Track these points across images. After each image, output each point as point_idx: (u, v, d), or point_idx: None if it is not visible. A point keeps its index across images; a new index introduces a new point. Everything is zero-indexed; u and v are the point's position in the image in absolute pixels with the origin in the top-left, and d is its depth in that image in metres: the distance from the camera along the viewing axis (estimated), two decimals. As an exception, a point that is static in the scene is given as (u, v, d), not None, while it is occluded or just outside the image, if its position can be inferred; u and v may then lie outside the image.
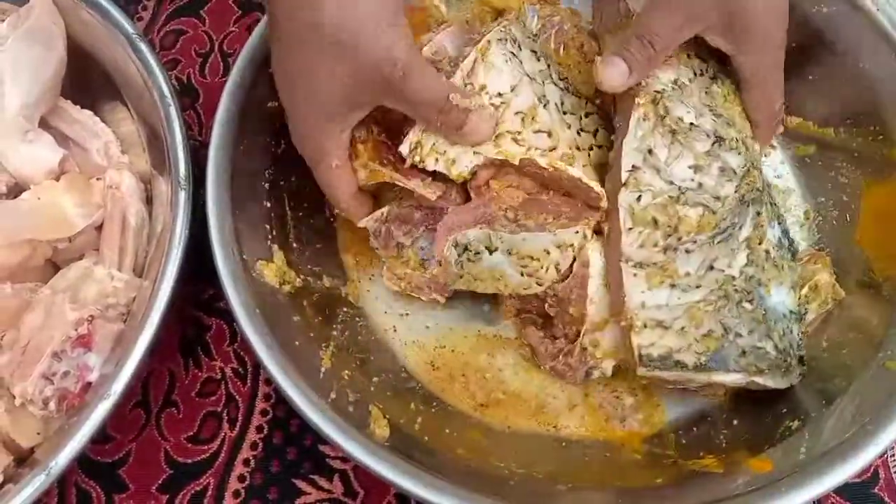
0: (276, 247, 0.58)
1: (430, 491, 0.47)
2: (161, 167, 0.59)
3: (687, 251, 0.52)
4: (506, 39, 0.55)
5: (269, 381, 0.57)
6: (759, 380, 0.52)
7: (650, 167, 0.52)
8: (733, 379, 0.52)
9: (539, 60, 0.57)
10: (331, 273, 0.61)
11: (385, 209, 0.57)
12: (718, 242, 0.52)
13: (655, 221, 0.52)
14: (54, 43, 0.61)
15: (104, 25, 0.61)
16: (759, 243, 0.53)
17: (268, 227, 0.59)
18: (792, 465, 0.49)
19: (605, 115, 0.59)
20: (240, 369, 0.60)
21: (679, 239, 0.52)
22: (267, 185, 0.60)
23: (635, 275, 0.52)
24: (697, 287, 0.52)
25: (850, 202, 0.62)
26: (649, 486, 0.52)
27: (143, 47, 0.60)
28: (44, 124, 0.61)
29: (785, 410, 0.54)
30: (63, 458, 0.48)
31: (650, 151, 0.52)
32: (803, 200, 0.65)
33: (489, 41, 0.54)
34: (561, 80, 0.58)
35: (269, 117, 0.60)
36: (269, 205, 0.60)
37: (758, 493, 0.47)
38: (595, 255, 0.55)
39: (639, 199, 0.52)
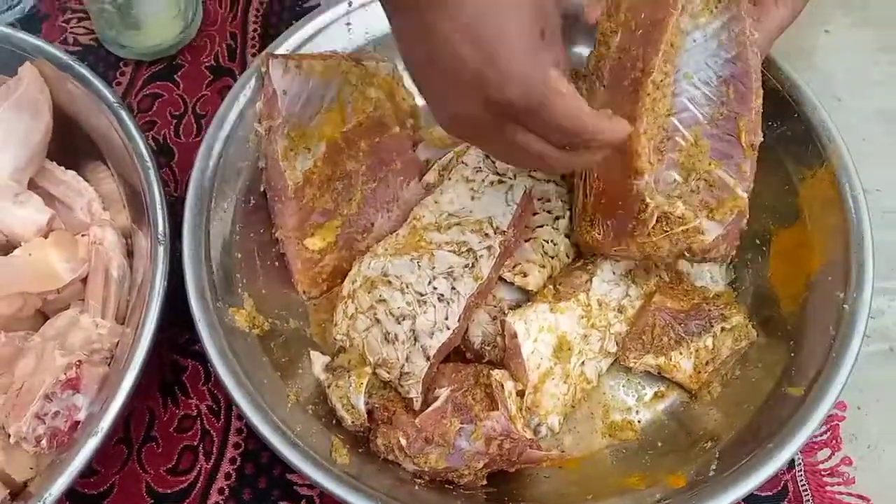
0: (246, 294, 0.64)
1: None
2: (141, 222, 0.65)
3: None
4: None
5: (241, 416, 0.64)
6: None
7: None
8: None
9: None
10: (296, 316, 0.68)
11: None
12: None
13: None
14: (41, 111, 0.67)
15: (87, 95, 0.67)
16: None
17: (238, 276, 0.65)
18: (702, 481, 0.56)
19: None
20: (214, 406, 0.66)
21: None
22: (237, 238, 0.67)
23: None
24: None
25: (762, 245, 0.70)
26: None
27: (124, 114, 0.66)
28: (32, 185, 0.67)
29: (701, 433, 0.62)
30: (55, 490, 0.53)
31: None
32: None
33: None
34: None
35: (238, 175, 0.68)
36: (239, 256, 0.66)
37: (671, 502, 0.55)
38: (520, 324, 0.62)
39: None
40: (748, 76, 0.59)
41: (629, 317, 0.67)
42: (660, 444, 0.64)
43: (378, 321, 0.63)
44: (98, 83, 0.68)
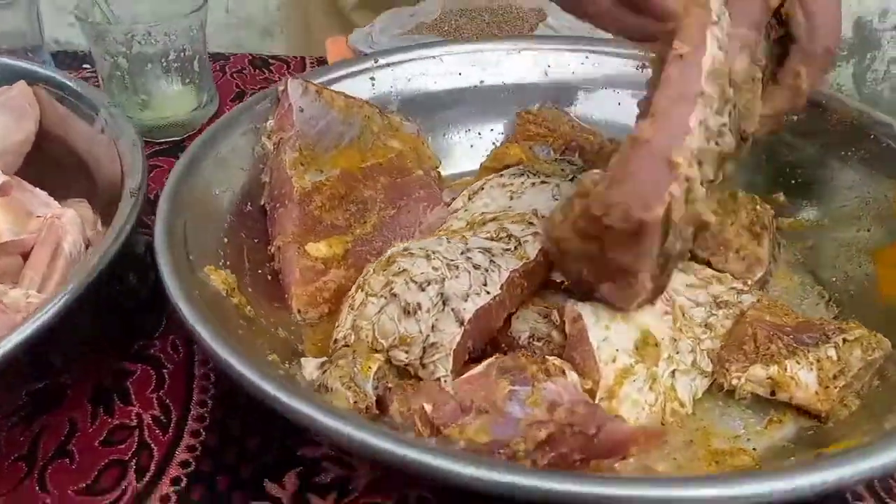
0: (228, 271, 0.50)
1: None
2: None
3: None
4: None
5: (199, 420, 0.46)
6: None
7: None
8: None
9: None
10: (287, 329, 0.52)
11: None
12: None
13: None
14: (26, 118, 0.60)
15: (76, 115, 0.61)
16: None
17: (220, 252, 0.52)
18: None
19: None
20: (162, 417, 0.47)
21: None
22: (227, 226, 0.55)
23: None
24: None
25: (864, 269, 0.57)
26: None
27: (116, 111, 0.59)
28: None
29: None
30: None
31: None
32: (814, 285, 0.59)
33: None
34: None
35: (237, 173, 0.58)
36: (226, 240, 0.53)
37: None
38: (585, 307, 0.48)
39: None
40: None
41: (720, 335, 0.52)
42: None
43: (395, 296, 0.48)
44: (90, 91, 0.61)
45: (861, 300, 0.56)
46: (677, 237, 0.43)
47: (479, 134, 0.72)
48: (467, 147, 0.71)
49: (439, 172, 0.67)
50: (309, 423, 0.36)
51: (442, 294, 0.47)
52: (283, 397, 0.37)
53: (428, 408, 0.41)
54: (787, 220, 0.63)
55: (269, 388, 0.37)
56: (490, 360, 0.44)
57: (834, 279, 0.59)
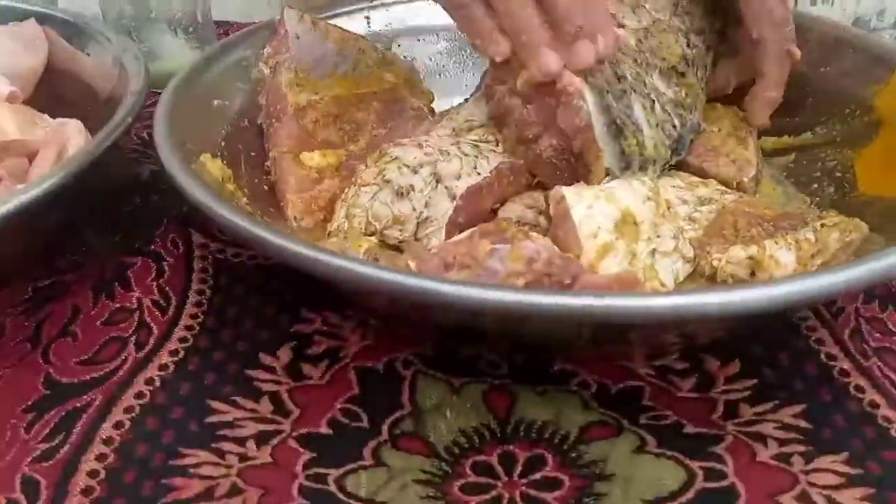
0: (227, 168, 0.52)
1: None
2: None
3: None
4: None
5: (198, 305, 0.48)
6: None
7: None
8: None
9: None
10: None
11: None
12: None
13: None
14: (36, 49, 0.63)
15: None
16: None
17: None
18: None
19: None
20: (161, 301, 0.49)
21: None
22: (225, 131, 0.57)
23: None
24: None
25: (844, 173, 0.58)
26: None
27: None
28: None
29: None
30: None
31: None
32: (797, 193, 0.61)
33: None
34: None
35: (237, 89, 0.60)
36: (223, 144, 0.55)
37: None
38: (569, 190, 0.50)
39: None
40: None
41: (703, 226, 0.53)
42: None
43: (387, 181, 0.50)
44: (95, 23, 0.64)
45: (842, 200, 0.57)
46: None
47: (475, 74, 0.74)
48: (462, 86, 0.73)
49: (433, 108, 0.69)
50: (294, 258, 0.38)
51: (435, 174, 0.49)
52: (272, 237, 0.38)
53: (412, 264, 0.42)
54: (771, 138, 0.65)
55: (260, 230, 0.39)
56: (474, 228, 0.46)
57: (815, 186, 0.60)
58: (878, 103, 0.59)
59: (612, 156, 0.50)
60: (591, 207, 0.49)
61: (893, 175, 0.54)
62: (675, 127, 0.54)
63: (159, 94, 0.53)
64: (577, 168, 0.51)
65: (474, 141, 0.54)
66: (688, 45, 0.57)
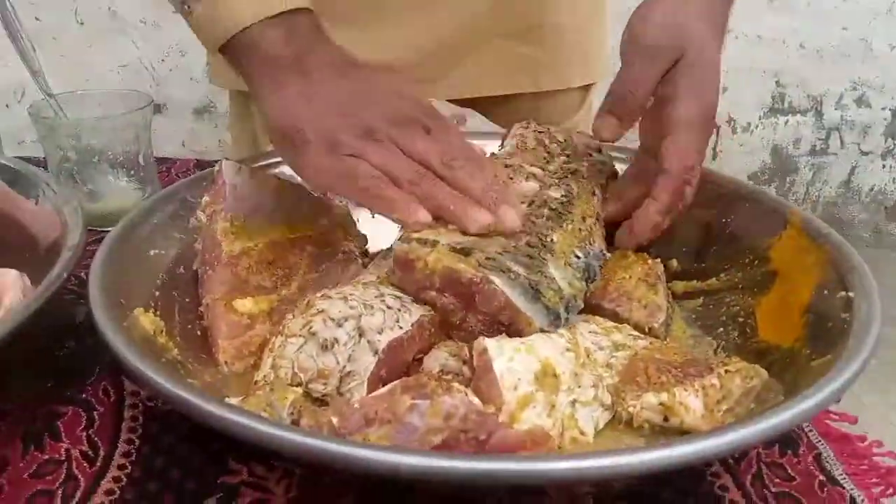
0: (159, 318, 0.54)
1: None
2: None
3: None
4: None
5: (126, 455, 0.48)
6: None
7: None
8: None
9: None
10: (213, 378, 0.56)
11: None
12: None
13: None
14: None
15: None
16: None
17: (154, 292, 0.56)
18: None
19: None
20: (90, 452, 0.50)
21: None
22: (160, 282, 0.59)
23: None
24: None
25: (746, 318, 0.63)
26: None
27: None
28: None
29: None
30: None
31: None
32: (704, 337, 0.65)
33: None
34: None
35: (172, 238, 0.63)
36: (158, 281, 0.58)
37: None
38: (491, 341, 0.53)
39: None
40: None
41: (619, 371, 0.56)
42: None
43: (313, 334, 0.52)
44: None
45: (745, 345, 0.62)
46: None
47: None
48: (396, 227, 0.77)
49: (367, 250, 0.73)
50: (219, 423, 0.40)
51: (359, 328, 0.51)
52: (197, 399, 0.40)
53: (335, 420, 0.44)
54: (681, 282, 0.70)
55: (187, 394, 0.41)
56: (395, 382, 0.48)
57: (721, 329, 0.64)
58: (773, 255, 0.64)
59: (539, 316, 0.54)
60: (511, 360, 0.52)
61: (788, 325, 0.58)
62: (578, 258, 0.58)
63: (100, 232, 0.55)
64: (511, 334, 0.54)
65: (397, 294, 0.57)
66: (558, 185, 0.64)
